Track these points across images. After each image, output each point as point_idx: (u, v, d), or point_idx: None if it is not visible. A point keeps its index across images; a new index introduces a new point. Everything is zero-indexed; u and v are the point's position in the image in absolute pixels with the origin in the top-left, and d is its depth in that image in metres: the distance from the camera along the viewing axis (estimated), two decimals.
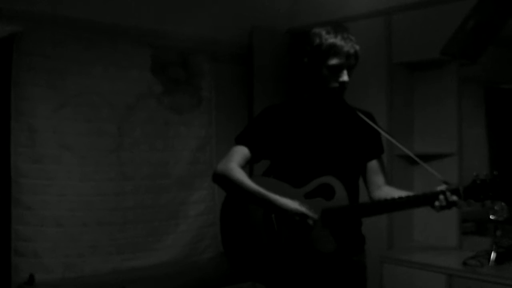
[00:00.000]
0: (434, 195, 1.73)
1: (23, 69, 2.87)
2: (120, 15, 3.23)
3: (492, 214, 2.73)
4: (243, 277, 3.05)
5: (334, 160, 1.90)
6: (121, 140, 3.25)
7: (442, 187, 1.75)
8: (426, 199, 1.75)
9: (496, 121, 3.34)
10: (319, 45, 1.83)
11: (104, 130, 3.18)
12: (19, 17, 2.84)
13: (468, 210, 3.14)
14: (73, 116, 3.05)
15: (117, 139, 3.24)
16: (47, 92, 2.95)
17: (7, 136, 2.85)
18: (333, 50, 1.81)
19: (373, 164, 2.01)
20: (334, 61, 1.82)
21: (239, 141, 1.96)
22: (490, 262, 2.68)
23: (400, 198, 1.79)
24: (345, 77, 1.84)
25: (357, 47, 1.85)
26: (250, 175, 1.94)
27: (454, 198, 1.71)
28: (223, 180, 1.92)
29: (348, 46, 1.82)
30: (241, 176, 1.88)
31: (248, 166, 1.99)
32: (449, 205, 1.72)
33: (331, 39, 1.82)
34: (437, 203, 1.73)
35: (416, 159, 1.96)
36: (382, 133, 2.00)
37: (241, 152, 1.93)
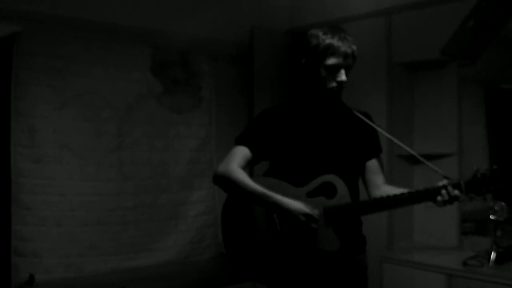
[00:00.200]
0: (436, 190, 1.74)
1: (23, 69, 2.87)
2: (120, 15, 3.23)
3: (492, 214, 2.74)
4: (243, 277, 3.05)
5: (333, 160, 1.90)
6: (121, 140, 3.25)
7: (444, 181, 1.75)
8: (428, 194, 1.76)
9: (496, 121, 3.35)
10: (316, 45, 1.85)
11: (104, 130, 3.18)
12: (19, 17, 2.84)
13: (468, 210, 3.15)
14: (73, 116, 3.05)
15: (117, 139, 3.24)
16: (47, 92, 2.95)
17: (7, 136, 2.85)
18: (331, 50, 1.83)
19: (372, 164, 2.02)
20: (331, 61, 1.84)
21: (239, 142, 1.96)
22: (490, 262, 2.68)
23: (402, 194, 1.79)
24: (343, 76, 1.85)
25: (354, 47, 1.86)
26: (251, 176, 1.94)
27: (456, 192, 1.72)
28: (225, 182, 1.92)
29: (345, 46, 1.83)
30: (243, 177, 1.88)
31: (249, 167, 1.99)
32: (451, 199, 1.73)
33: (328, 40, 1.83)
34: (439, 198, 1.74)
35: (416, 155, 1.96)
36: (383, 132, 2.01)
37: (241, 153, 1.93)
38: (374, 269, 2.68)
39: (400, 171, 3.24)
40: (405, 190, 1.82)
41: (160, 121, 3.42)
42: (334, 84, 1.86)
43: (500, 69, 3.17)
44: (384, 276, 3.02)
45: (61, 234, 2.98)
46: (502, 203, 2.71)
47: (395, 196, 1.80)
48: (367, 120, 1.99)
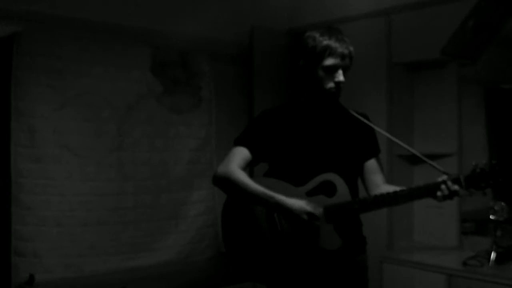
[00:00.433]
0: (436, 185, 1.75)
1: (23, 69, 2.87)
2: (120, 15, 3.23)
3: (492, 214, 2.73)
4: (243, 277, 3.05)
5: (332, 161, 1.91)
6: (121, 140, 3.25)
7: (443, 177, 1.76)
8: (428, 190, 1.77)
9: (496, 121, 3.34)
10: (313, 47, 1.86)
11: (104, 130, 3.18)
12: (19, 17, 2.84)
13: (468, 210, 3.15)
14: (73, 116, 3.05)
15: (117, 139, 3.24)
16: (47, 92, 2.95)
17: (7, 136, 2.85)
18: (328, 51, 1.84)
19: (371, 164, 2.02)
20: (329, 62, 1.85)
21: (238, 143, 1.96)
22: (490, 262, 2.68)
23: (402, 190, 1.80)
24: (341, 77, 1.86)
25: (351, 48, 1.88)
26: (251, 176, 1.94)
27: (456, 187, 1.73)
28: (225, 183, 1.92)
29: (342, 47, 1.85)
30: (244, 177, 1.89)
31: (249, 168, 1.99)
32: (451, 194, 1.74)
33: (326, 41, 1.85)
34: (439, 193, 1.75)
35: (415, 152, 1.96)
36: (382, 132, 2.01)
37: (241, 154, 1.93)
38: (374, 269, 2.68)
39: (400, 171, 3.24)
40: (404, 187, 1.82)
41: (160, 121, 3.42)
42: (332, 85, 1.87)
43: (500, 69, 3.17)
44: (384, 276, 3.02)
45: (61, 234, 2.99)
46: (502, 203, 2.71)
47: (395, 192, 1.80)
48: (365, 121, 1.99)
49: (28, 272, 2.85)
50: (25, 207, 2.88)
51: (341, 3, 3.48)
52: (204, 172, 3.59)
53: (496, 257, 2.69)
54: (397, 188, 1.83)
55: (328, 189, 1.86)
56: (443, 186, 1.74)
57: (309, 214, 1.79)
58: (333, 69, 1.85)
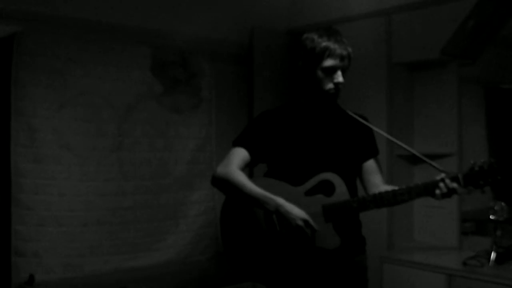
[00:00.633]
0: (434, 184, 1.76)
1: (23, 69, 2.87)
2: (120, 15, 3.23)
3: (492, 214, 2.73)
4: (243, 277, 3.05)
5: (330, 161, 1.91)
6: (121, 140, 3.25)
7: (442, 175, 1.77)
8: (426, 188, 1.77)
9: (496, 121, 3.34)
10: (312, 48, 1.87)
11: (104, 130, 3.18)
12: (19, 17, 2.84)
13: (468, 210, 3.15)
14: (73, 116, 3.05)
15: (117, 139, 3.24)
16: (47, 92, 2.95)
17: (7, 136, 2.85)
18: (327, 52, 1.85)
19: (369, 165, 2.03)
20: (328, 63, 1.85)
21: (237, 144, 1.97)
22: (490, 262, 2.68)
23: (400, 188, 1.80)
24: (340, 78, 1.87)
25: (350, 49, 1.89)
26: (250, 177, 1.95)
27: (454, 185, 1.73)
28: (224, 184, 1.92)
29: (341, 48, 1.86)
30: (243, 178, 1.89)
31: (248, 169, 1.99)
32: (450, 192, 1.74)
33: (324, 42, 1.86)
34: (437, 191, 1.75)
35: (414, 152, 1.96)
36: (381, 133, 2.01)
37: (240, 155, 1.94)
38: (374, 269, 2.68)
39: (400, 171, 3.24)
40: (403, 186, 1.82)
41: (160, 121, 3.42)
42: (331, 86, 1.88)
43: (500, 69, 3.17)
44: (384, 276, 3.02)
45: (61, 234, 2.99)
46: (502, 203, 2.71)
47: (393, 191, 1.81)
48: (363, 121, 1.99)
49: (28, 272, 2.85)
50: (25, 207, 2.88)
51: (341, 3, 3.48)
52: (204, 172, 3.59)
53: (496, 257, 2.69)
54: (396, 188, 1.84)
55: (326, 188, 1.86)
56: (441, 184, 1.74)
57: (305, 220, 1.80)
58: (332, 70, 1.86)
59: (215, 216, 3.62)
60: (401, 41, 3.19)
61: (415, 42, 3.12)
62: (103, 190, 3.16)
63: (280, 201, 1.83)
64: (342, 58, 1.86)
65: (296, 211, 1.81)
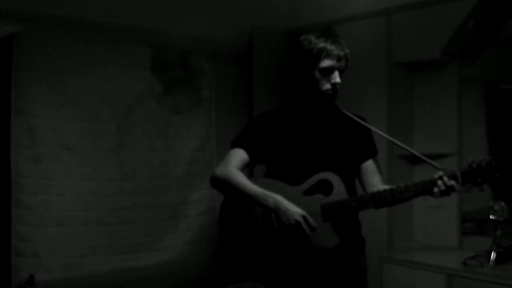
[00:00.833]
0: (432, 181, 1.76)
1: (23, 69, 2.86)
2: (120, 15, 3.23)
3: (492, 214, 2.73)
4: (243, 277, 3.06)
5: (328, 162, 1.91)
6: (121, 140, 3.25)
7: (440, 173, 1.77)
8: (424, 186, 1.78)
9: (496, 121, 3.34)
10: (310, 49, 1.88)
11: (104, 130, 3.18)
12: (19, 17, 2.84)
13: (468, 210, 3.15)
14: (73, 116, 3.05)
15: (117, 139, 3.24)
16: (47, 92, 2.95)
17: (7, 136, 2.85)
18: (324, 53, 1.86)
19: (368, 165, 2.03)
20: (325, 64, 1.87)
21: (235, 145, 1.98)
22: (490, 262, 2.68)
23: (398, 187, 1.81)
24: (337, 78, 1.88)
25: (347, 50, 1.90)
26: (250, 178, 1.95)
27: (452, 182, 1.74)
28: (223, 184, 1.93)
29: (338, 49, 1.87)
30: (241, 178, 1.90)
31: (248, 170, 2.00)
32: (448, 190, 1.75)
33: (322, 43, 1.87)
34: (435, 189, 1.75)
35: (412, 151, 1.96)
36: (380, 133, 2.01)
37: (238, 156, 1.94)
38: (374, 269, 2.68)
39: (400, 171, 3.24)
40: (401, 184, 1.82)
41: (160, 121, 3.42)
42: (328, 86, 1.89)
43: (500, 69, 3.17)
44: (384, 276, 3.02)
45: (61, 234, 2.98)
46: (502, 203, 2.71)
47: (391, 189, 1.81)
48: (361, 122, 2.00)
49: (28, 272, 2.85)
50: (25, 207, 2.88)
51: (341, 3, 3.48)
52: (204, 172, 3.59)
53: (496, 257, 2.69)
54: (394, 187, 1.84)
55: (325, 188, 1.86)
56: (439, 182, 1.75)
57: (304, 217, 1.80)
58: (329, 71, 1.87)
59: (215, 216, 3.62)
60: (401, 41, 3.19)
61: (415, 42, 3.12)
62: (103, 190, 3.16)
63: (279, 198, 1.83)
64: (339, 58, 1.87)
65: (295, 208, 1.81)
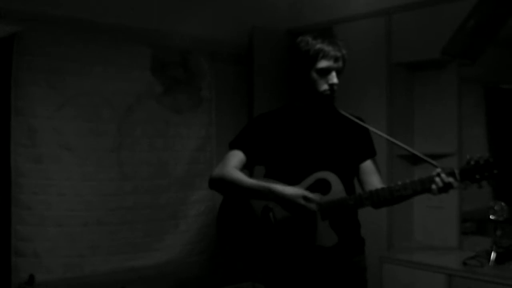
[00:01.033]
0: (430, 178, 1.76)
1: (23, 69, 2.87)
2: (120, 15, 3.23)
3: (492, 214, 2.73)
4: (243, 277, 3.06)
5: (327, 162, 1.91)
6: (121, 140, 3.25)
7: (438, 170, 1.77)
8: (422, 183, 1.78)
9: (496, 121, 3.34)
10: (307, 50, 1.89)
11: (104, 130, 3.18)
12: (19, 17, 2.84)
13: (468, 210, 3.15)
14: (73, 116, 3.05)
15: (117, 139, 3.24)
16: (47, 92, 2.95)
17: (7, 136, 2.85)
18: (321, 54, 1.87)
19: (367, 166, 2.03)
20: (322, 64, 1.87)
21: (233, 146, 1.99)
22: (490, 262, 2.68)
23: (396, 185, 1.81)
24: (334, 79, 1.88)
25: (344, 51, 1.91)
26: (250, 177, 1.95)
27: (450, 179, 1.74)
28: (221, 183, 1.93)
29: (335, 50, 1.88)
30: (239, 174, 1.90)
31: (248, 171, 2.00)
32: (446, 187, 1.75)
33: (319, 44, 1.88)
34: (433, 186, 1.76)
35: (412, 150, 1.96)
36: (379, 133, 2.01)
37: (236, 157, 1.95)
38: (374, 269, 2.68)
39: (400, 171, 3.24)
40: (399, 182, 1.82)
41: (160, 121, 3.42)
42: (326, 87, 1.89)
43: (500, 69, 3.17)
44: (384, 276, 3.02)
45: (61, 234, 2.99)
46: (502, 203, 2.71)
47: (389, 187, 1.82)
48: (360, 122, 2.00)
49: (28, 272, 2.85)
50: (25, 207, 2.88)
51: (341, 3, 3.48)
52: (204, 172, 3.59)
53: (496, 257, 2.69)
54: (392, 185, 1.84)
55: (323, 187, 1.86)
56: (437, 179, 1.75)
57: (305, 197, 1.79)
58: (326, 72, 1.88)
59: (215, 216, 3.61)
60: (401, 41, 3.19)
61: (415, 42, 3.12)
62: (103, 190, 3.16)
63: (272, 185, 1.82)
64: (336, 59, 1.88)
65: (291, 190, 1.80)
